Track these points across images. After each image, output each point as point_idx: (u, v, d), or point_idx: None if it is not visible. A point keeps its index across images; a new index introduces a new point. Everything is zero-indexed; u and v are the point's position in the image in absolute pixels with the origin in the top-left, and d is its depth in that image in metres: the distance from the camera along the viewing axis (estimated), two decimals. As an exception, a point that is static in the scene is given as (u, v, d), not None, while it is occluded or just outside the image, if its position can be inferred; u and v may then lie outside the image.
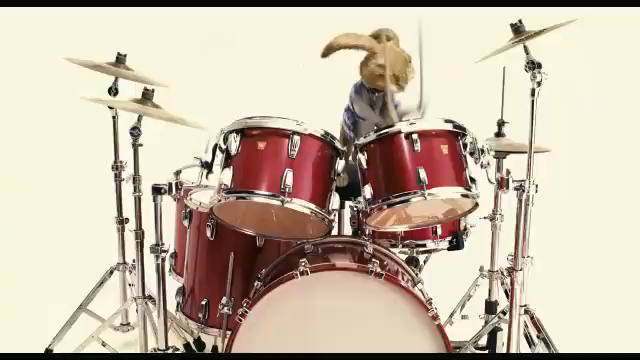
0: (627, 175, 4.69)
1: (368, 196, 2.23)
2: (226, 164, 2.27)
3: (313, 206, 2.19)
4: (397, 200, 2.17)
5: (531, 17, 2.31)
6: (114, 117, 2.94)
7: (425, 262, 2.83)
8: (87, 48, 2.67)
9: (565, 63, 2.81)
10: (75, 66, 2.65)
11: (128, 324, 3.14)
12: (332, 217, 2.27)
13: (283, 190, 2.14)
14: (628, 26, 4.50)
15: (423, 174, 2.13)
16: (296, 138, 2.19)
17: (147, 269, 2.61)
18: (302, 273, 2.09)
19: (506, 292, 2.88)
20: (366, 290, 2.12)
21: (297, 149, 2.19)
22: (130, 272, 3.06)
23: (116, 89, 2.85)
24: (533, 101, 2.19)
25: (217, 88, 4.66)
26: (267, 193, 2.17)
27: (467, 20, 4.22)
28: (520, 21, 2.31)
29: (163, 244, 2.33)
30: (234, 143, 2.23)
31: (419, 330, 2.12)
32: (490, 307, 2.92)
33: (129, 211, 2.74)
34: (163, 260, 2.34)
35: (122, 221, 3.02)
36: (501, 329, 2.76)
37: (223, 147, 2.28)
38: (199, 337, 2.97)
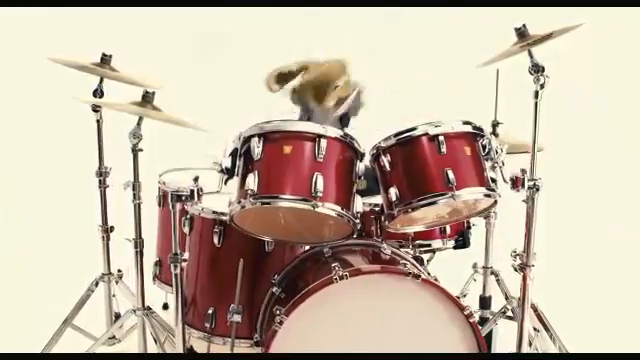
0: (627, 175, 4.78)
1: (393, 199, 2.23)
2: (247, 169, 2.20)
3: (340, 209, 2.17)
4: (425, 202, 2.18)
5: (530, 17, 2.35)
6: (98, 121, 2.80)
7: (429, 261, 2.86)
8: (88, 49, 2.54)
9: (565, 63, 2.88)
10: (69, 68, 2.52)
11: (114, 337, 2.99)
12: (358, 220, 2.25)
13: (314, 194, 2.11)
14: (628, 26, 4.61)
15: (452, 175, 2.15)
16: (323, 141, 2.16)
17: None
18: (341, 277, 2.06)
19: (497, 283, 2.98)
20: (403, 291, 2.11)
21: (324, 152, 2.16)
22: (116, 283, 2.93)
23: (101, 91, 2.73)
24: (536, 103, 2.25)
25: (216, 88, 4.51)
26: (297, 197, 2.12)
27: (467, 20, 4.26)
28: (524, 25, 2.35)
29: (183, 253, 2.23)
30: (257, 148, 2.17)
31: (453, 329, 2.13)
32: (484, 303, 2.99)
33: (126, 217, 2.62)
34: (182, 270, 2.25)
35: (107, 230, 2.88)
36: (496, 324, 2.84)
37: (241, 152, 2.22)
38: (191, 346, 2.87)
